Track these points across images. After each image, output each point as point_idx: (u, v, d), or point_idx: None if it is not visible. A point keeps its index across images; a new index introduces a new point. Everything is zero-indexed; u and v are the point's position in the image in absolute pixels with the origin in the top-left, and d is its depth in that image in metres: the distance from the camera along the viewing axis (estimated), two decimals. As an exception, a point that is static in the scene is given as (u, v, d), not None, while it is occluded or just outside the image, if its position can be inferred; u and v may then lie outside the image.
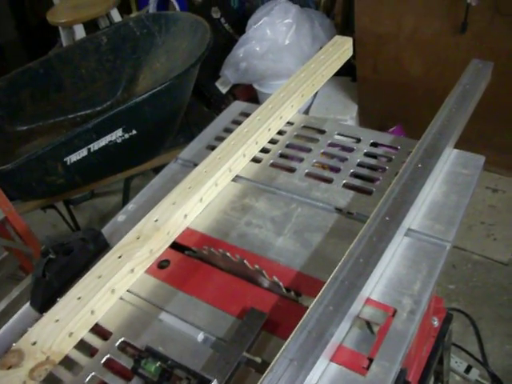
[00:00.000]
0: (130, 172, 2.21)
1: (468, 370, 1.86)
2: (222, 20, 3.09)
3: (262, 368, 0.74)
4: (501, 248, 2.26)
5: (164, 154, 2.25)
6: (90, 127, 1.87)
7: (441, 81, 2.38)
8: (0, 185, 1.81)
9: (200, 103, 3.07)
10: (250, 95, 3.10)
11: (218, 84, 3.09)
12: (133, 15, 3.12)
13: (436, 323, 1.18)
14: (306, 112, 2.79)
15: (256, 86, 2.93)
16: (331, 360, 0.73)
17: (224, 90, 3.10)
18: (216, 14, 3.05)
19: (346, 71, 2.80)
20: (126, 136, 2.00)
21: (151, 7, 3.19)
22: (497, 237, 2.31)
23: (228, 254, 0.85)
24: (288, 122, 1.23)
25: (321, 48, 2.76)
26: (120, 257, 0.88)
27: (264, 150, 1.16)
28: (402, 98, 2.63)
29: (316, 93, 2.50)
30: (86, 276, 0.86)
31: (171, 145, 2.29)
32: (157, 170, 2.48)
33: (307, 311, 0.73)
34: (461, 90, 1.13)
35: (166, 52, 2.46)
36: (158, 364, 0.75)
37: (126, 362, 0.78)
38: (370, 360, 0.73)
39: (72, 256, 0.92)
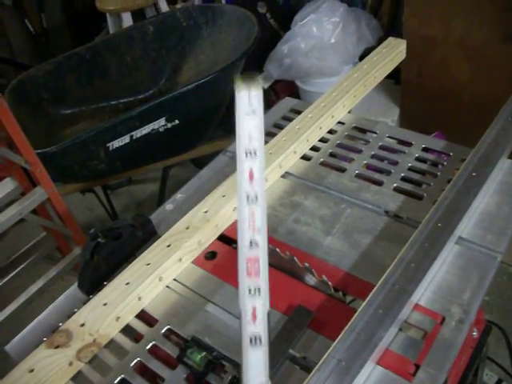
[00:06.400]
0: (170, 161, 2.22)
1: (498, 383, 1.83)
2: (268, 15, 3.08)
3: (306, 366, 0.74)
4: (539, 262, 2.22)
5: (203, 145, 2.26)
6: (134, 115, 1.89)
7: (488, 89, 2.33)
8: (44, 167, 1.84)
9: (241, 97, 3.06)
10: (291, 92, 3.08)
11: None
12: (179, 6, 3.13)
13: (475, 334, 1.16)
14: (348, 112, 2.77)
15: (298, 83, 2.92)
16: (377, 363, 0.73)
17: (265, 85, 3.09)
18: (262, 8, 3.05)
19: (390, 73, 2.76)
20: (169, 125, 2.01)
21: (197, -1, 3.21)
22: (535, 250, 2.26)
23: (278, 249, 0.85)
24: (339, 122, 1.22)
25: (366, 48, 2.74)
26: (169, 246, 0.89)
27: (314, 149, 1.16)
28: (446, 104, 2.58)
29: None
30: (134, 262, 0.88)
31: (210, 136, 2.30)
32: (195, 161, 2.50)
33: (357, 313, 0.73)
34: (518, 100, 1.11)
35: (212, 44, 2.46)
36: (204, 354, 0.75)
37: (171, 350, 0.79)
38: (417, 366, 0.72)
39: (121, 241, 0.93)
